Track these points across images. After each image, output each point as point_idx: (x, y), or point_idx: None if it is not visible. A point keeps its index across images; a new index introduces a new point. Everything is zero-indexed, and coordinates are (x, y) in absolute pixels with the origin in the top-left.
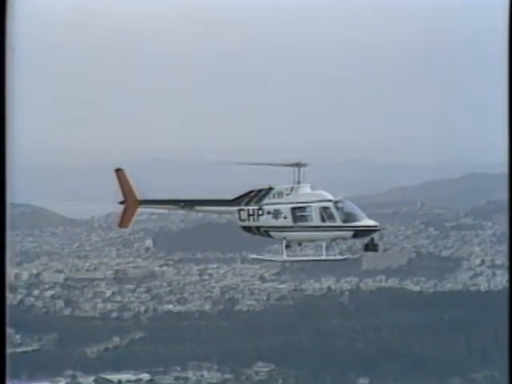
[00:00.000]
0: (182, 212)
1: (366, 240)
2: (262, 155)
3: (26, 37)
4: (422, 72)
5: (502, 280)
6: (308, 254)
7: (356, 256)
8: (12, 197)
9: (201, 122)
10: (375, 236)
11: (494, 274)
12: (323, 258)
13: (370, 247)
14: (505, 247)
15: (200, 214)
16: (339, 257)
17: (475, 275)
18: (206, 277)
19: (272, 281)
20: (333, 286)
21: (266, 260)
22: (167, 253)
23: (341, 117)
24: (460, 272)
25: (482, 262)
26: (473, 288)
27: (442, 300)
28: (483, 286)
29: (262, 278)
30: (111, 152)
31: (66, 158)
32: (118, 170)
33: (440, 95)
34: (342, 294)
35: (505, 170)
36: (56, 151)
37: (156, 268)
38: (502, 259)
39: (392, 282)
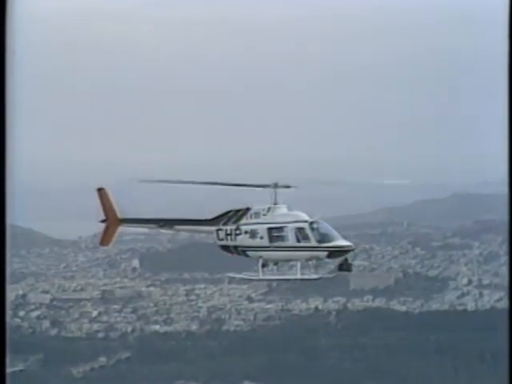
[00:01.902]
0: (169, 232)
1: (339, 260)
2: (242, 173)
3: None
4: (413, 92)
5: (489, 300)
6: (284, 273)
7: (331, 276)
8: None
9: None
10: (349, 256)
11: (481, 294)
12: (298, 277)
13: (344, 267)
14: (492, 266)
15: (187, 234)
16: (314, 276)
17: (462, 295)
18: (193, 297)
19: (259, 301)
20: (320, 306)
21: (244, 278)
22: (154, 273)
23: (329, 135)
24: (447, 292)
25: (469, 281)
26: (460, 308)
27: (428, 320)
28: (470, 306)
29: (250, 299)
30: (99, 171)
31: (51, 176)
32: (100, 190)
33: (428, 117)
34: (329, 313)
35: (492, 190)
36: (42, 170)
37: (143, 288)
38: (489, 279)
39: (379, 302)
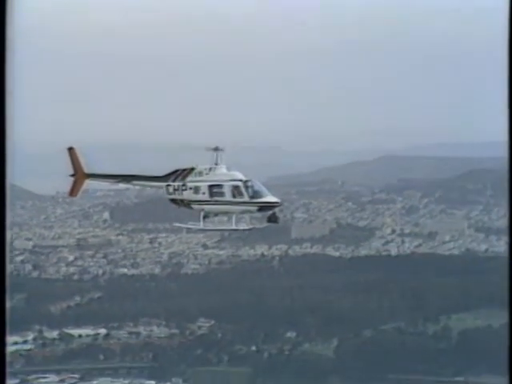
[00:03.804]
0: (135, 188)
1: (268, 213)
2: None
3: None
4: (353, 62)
5: (409, 246)
6: (222, 224)
7: (262, 226)
8: None
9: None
10: (277, 210)
11: (402, 242)
12: (233, 227)
13: (272, 219)
14: (412, 218)
15: (152, 190)
16: (246, 227)
17: (386, 242)
18: (156, 244)
19: (213, 248)
20: (265, 253)
21: (187, 227)
22: (122, 224)
23: (277, 107)
24: (374, 240)
25: (393, 231)
26: (384, 253)
27: (358, 264)
28: (393, 251)
29: (205, 246)
30: (80, 137)
31: (32, 143)
32: (70, 149)
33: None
34: (273, 259)
35: (414, 153)
36: (25, 137)
37: (112, 237)
38: (409, 228)
39: (316, 249)
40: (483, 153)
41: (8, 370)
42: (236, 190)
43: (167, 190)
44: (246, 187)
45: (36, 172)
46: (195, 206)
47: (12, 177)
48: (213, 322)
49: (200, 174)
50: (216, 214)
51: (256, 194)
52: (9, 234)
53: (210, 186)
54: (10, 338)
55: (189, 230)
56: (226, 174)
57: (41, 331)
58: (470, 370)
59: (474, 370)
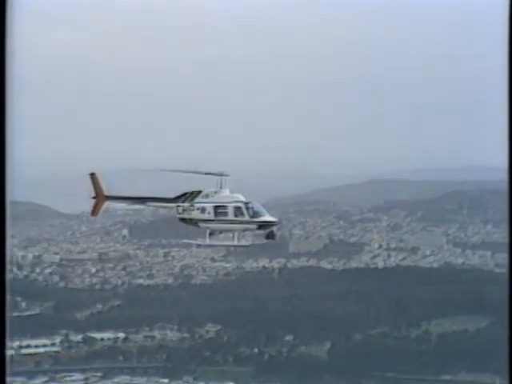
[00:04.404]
0: (150, 208)
1: (267, 231)
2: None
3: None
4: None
5: (395, 259)
6: (224, 240)
7: (261, 243)
8: (20, 196)
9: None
10: (274, 228)
11: (388, 256)
12: (235, 243)
13: (270, 236)
14: (397, 234)
15: (165, 210)
16: (246, 243)
17: (374, 256)
18: (169, 258)
19: (220, 261)
20: (266, 265)
21: (194, 243)
22: (139, 240)
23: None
24: (363, 254)
25: (380, 246)
26: (372, 266)
27: (349, 275)
28: (380, 264)
29: (213, 259)
30: (99, 162)
31: (56, 167)
32: (92, 174)
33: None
34: (273, 271)
35: (399, 177)
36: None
37: (131, 251)
38: (395, 244)
39: (312, 262)
40: (459, 177)
41: (38, 369)
42: (238, 211)
43: (177, 210)
44: (247, 208)
45: (63, 194)
46: (202, 225)
47: (43, 198)
48: (219, 326)
49: (206, 196)
50: (220, 232)
51: (256, 214)
52: (38, 249)
53: (215, 207)
54: (39, 341)
55: (197, 246)
56: (229, 196)
57: (67, 335)
58: (448, 368)
59: (452, 369)
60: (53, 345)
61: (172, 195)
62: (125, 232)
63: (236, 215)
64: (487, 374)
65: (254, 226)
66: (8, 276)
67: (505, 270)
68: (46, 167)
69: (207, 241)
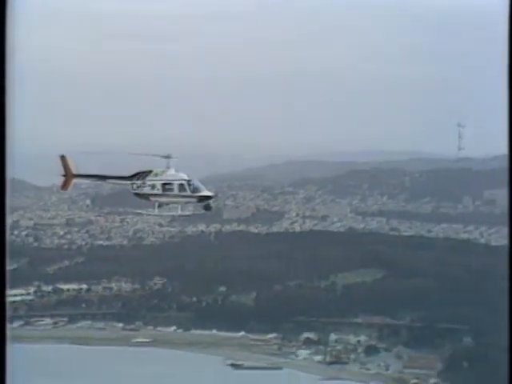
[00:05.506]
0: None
1: (205, 203)
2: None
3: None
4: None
5: (309, 225)
6: (170, 210)
7: (200, 212)
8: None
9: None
10: (211, 201)
11: (304, 222)
12: (179, 213)
13: (207, 208)
14: (311, 205)
15: (121, 186)
16: (188, 213)
17: (292, 223)
18: (125, 223)
19: (166, 226)
20: (204, 230)
21: (145, 214)
22: (100, 208)
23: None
24: (283, 220)
25: (297, 214)
26: (291, 230)
27: (271, 238)
28: (297, 229)
29: (160, 225)
30: (71, 144)
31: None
32: (62, 156)
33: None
34: (210, 234)
35: (314, 158)
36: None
37: (92, 217)
38: (309, 212)
39: (241, 227)
40: (360, 159)
41: (14, 314)
42: (181, 187)
43: (132, 186)
44: (189, 185)
45: (38, 169)
46: (152, 198)
47: (21, 173)
48: (165, 279)
49: (156, 175)
50: (167, 204)
51: (196, 190)
52: (16, 215)
53: (163, 184)
54: (16, 291)
55: (147, 215)
56: (174, 174)
57: (39, 286)
58: (350, 312)
59: (353, 312)
60: (27, 294)
61: (128, 173)
62: (88, 202)
63: (180, 190)
64: (381, 316)
65: (194, 200)
66: None
67: (397, 233)
68: (26, 148)
69: (156, 211)
